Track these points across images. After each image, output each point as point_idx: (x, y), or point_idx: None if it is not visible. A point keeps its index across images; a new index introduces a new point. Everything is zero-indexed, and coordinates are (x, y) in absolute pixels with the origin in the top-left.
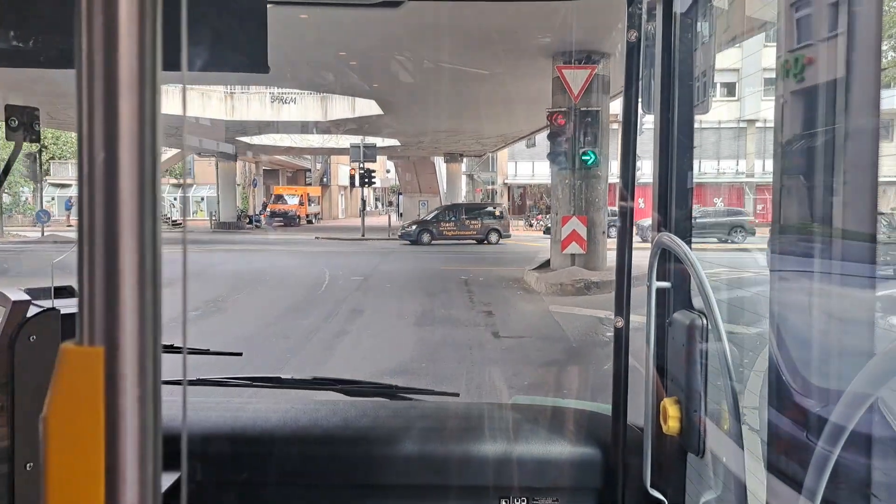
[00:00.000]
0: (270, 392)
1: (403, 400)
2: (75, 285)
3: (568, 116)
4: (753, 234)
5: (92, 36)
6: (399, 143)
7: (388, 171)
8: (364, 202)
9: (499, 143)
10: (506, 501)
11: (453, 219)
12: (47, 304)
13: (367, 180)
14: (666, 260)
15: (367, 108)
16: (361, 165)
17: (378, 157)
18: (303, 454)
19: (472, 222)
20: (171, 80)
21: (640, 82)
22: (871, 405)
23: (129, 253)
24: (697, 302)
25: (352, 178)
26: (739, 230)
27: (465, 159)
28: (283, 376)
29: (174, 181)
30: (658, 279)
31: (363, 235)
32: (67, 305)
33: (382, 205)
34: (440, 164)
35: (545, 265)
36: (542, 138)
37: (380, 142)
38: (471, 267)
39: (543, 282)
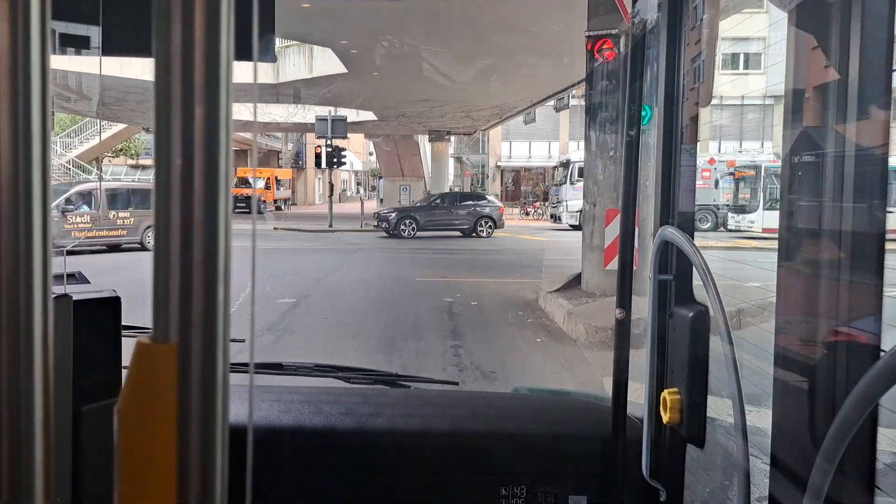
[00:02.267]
0: (270, 378)
1: (404, 388)
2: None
3: (616, 46)
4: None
5: (170, 37)
6: (375, 118)
7: (371, 154)
8: (332, 186)
9: (492, 119)
10: (506, 489)
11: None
12: (59, 290)
13: (335, 160)
14: (668, 252)
15: (328, 65)
16: (329, 142)
17: (356, 137)
18: (305, 441)
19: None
20: None
21: (645, 75)
22: (876, 405)
23: (202, 254)
24: (698, 294)
25: (317, 157)
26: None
27: (452, 138)
28: (283, 363)
29: (132, 162)
30: (660, 272)
31: (331, 226)
32: (79, 292)
33: (365, 190)
34: (424, 143)
35: (574, 284)
36: (542, 113)
37: (354, 115)
38: (459, 277)
39: (580, 321)
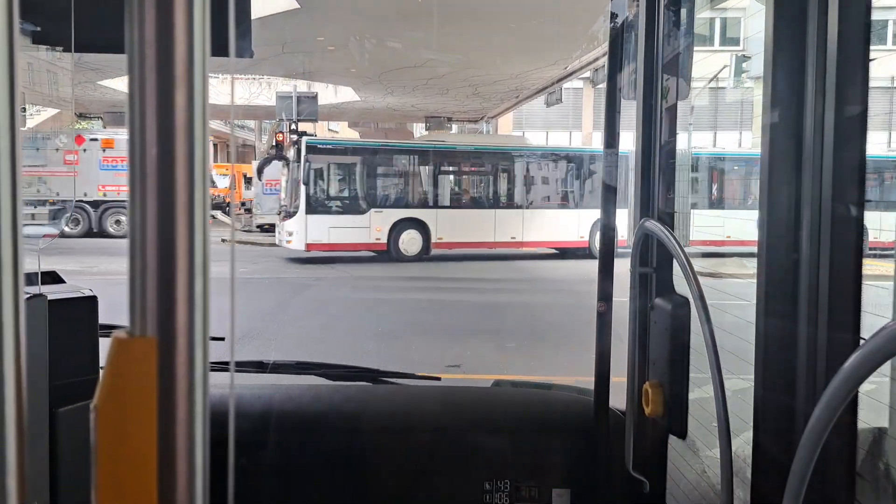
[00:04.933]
0: (252, 377)
1: (386, 384)
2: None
3: None
4: None
5: (143, 25)
6: (358, 98)
7: None
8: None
9: (507, 98)
10: (490, 483)
11: None
12: (34, 290)
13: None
14: (648, 245)
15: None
16: (294, 128)
17: (342, 128)
18: (288, 439)
19: None
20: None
21: (624, 69)
22: (856, 393)
23: (181, 245)
24: (678, 286)
25: (278, 145)
26: None
27: (454, 127)
28: (265, 361)
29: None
30: (640, 265)
31: None
32: (54, 291)
33: None
34: (420, 134)
35: None
36: (568, 94)
37: (332, 97)
38: (483, 369)
39: None
